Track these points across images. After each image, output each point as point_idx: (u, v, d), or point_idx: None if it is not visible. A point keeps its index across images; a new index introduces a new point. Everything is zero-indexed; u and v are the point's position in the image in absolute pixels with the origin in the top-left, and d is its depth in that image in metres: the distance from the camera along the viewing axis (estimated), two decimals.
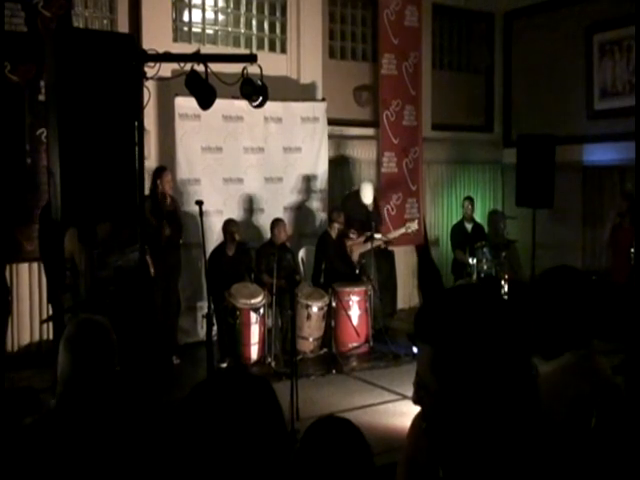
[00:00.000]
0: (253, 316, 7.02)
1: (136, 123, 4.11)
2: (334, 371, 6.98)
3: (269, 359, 7.04)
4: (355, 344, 7.54)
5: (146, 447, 2.14)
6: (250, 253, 7.57)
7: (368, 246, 8.04)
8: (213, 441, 1.24)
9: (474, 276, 8.34)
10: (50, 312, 6.41)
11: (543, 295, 2.13)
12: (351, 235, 8.05)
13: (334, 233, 7.93)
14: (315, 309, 7.39)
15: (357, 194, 8.58)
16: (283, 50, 9.02)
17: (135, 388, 4.05)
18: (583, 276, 2.15)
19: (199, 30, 8.51)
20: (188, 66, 5.76)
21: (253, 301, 7.01)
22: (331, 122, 8.78)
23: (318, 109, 8.61)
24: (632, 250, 7.22)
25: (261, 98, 6.29)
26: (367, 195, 8.44)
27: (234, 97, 6.79)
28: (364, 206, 8.49)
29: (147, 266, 6.20)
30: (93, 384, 2.19)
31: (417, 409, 1.69)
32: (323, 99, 8.79)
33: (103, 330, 2.29)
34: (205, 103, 5.90)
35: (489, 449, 1.25)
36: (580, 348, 2.08)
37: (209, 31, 8.57)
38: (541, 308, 2.11)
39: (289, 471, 1.35)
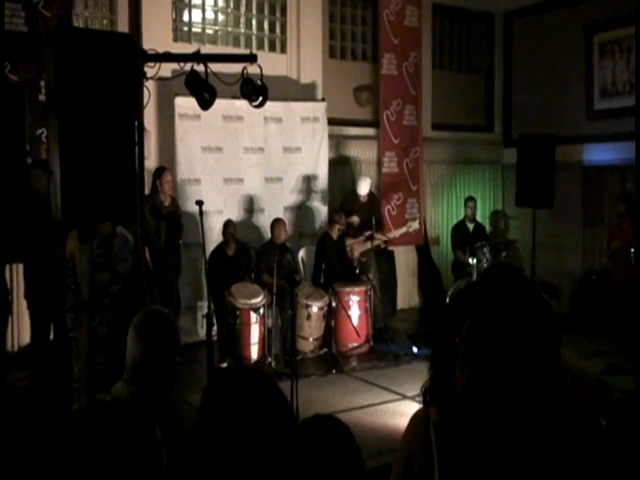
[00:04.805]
0: (253, 316, 7.02)
1: (136, 123, 4.12)
2: (334, 371, 6.98)
3: (269, 359, 7.04)
4: (355, 344, 7.54)
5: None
6: (250, 253, 7.57)
7: (368, 245, 8.06)
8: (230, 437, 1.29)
9: (474, 276, 8.34)
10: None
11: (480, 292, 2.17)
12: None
13: (335, 234, 7.93)
14: (315, 309, 7.39)
15: (356, 193, 8.60)
16: (283, 50, 9.01)
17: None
18: (520, 275, 2.18)
19: (199, 30, 8.51)
20: (188, 66, 5.77)
21: (253, 301, 7.01)
22: (331, 122, 8.78)
23: (318, 109, 8.61)
24: (632, 250, 7.23)
25: (261, 98, 6.30)
26: (362, 186, 8.47)
27: (234, 97, 6.81)
28: (364, 204, 8.51)
29: (147, 265, 6.20)
30: (162, 372, 2.30)
31: (416, 408, 1.69)
32: (323, 99, 8.79)
33: (170, 321, 2.41)
34: (205, 103, 5.91)
35: (514, 440, 1.26)
36: None
37: (209, 31, 8.57)
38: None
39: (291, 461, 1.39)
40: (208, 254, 6.49)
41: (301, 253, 8.31)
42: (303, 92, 8.89)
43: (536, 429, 1.28)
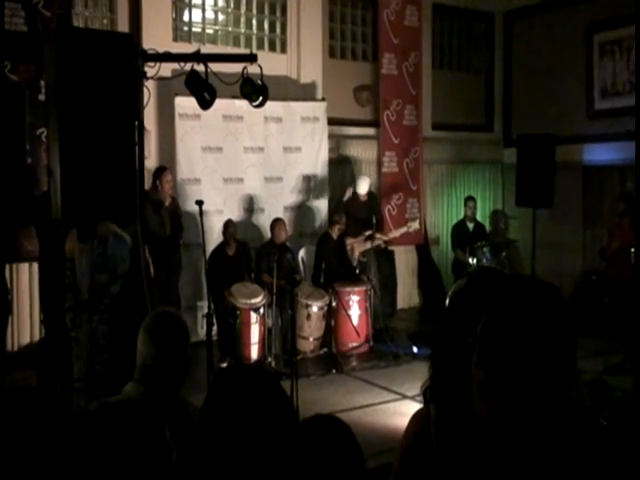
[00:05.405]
0: (253, 316, 7.01)
1: (136, 123, 4.12)
2: (334, 371, 6.98)
3: (269, 359, 7.03)
4: (355, 344, 7.54)
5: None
6: (250, 253, 7.57)
7: (369, 245, 8.06)
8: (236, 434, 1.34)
9: None
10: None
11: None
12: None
13: (335, 234, 7.93)
14: (315, 309, 7.39)
15: (355, 192, 8.60)
16: (283, 50, 9.01)
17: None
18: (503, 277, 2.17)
19: (199, 30, 8.51)
20: (188, 66, 5.76)
21: (253, 301, 7.01)
22: (331, 122, 8.78)
23: (318, 109, 8.62)
24: (632, 250, 7.22)
25: (261, 98, 6.29)
26: (362, 186, 8.48)
27: (234, 97, 6.80)
28: (363, 204, 8.50)
29: (147, 265, 6.19)
30: (173, 372, 2.30)
31: (416, 408, 1.69)
32: (323, 99, 8.79)
33: (180, 321, 2.41)
34: (205, 103, 5.91)
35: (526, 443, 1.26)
36: None
37: (209, 31, 8.57)
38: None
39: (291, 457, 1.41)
40: (208, 254, 6.48)
41: (301, 253, 8.31)
42: (303, 92, 8.89)
43: (542, 430, 1.28)
